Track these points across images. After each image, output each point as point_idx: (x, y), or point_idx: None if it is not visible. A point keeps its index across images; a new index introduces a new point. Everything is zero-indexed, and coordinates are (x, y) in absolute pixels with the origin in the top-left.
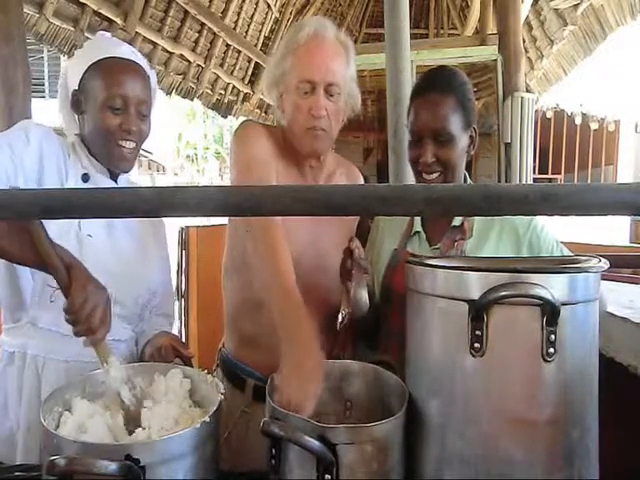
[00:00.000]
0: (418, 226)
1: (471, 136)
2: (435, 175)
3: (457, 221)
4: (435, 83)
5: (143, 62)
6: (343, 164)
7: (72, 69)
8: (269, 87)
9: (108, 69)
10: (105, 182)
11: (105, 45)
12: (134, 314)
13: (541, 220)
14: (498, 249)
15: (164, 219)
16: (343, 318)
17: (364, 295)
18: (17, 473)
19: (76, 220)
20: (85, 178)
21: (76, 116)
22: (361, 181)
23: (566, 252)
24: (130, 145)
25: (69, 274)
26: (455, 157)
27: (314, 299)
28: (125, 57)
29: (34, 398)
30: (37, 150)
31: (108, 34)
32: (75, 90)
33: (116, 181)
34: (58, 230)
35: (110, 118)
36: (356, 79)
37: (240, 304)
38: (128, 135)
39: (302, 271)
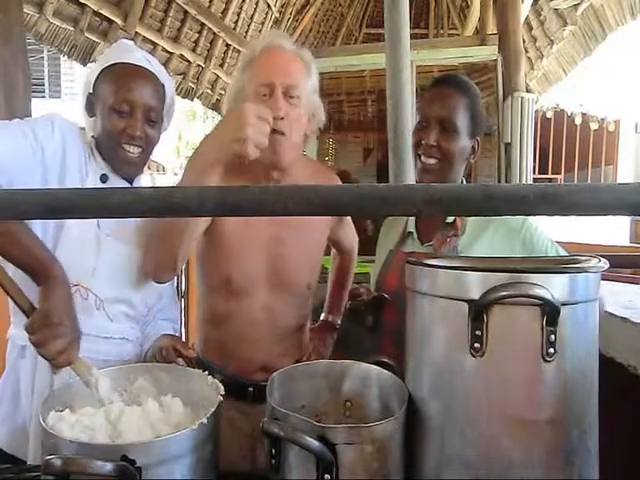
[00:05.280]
0: (411, 227)
1: (473, 147)
2: (433, 161)
3: (450, 218)
4: (452, 81)
5: (158, 70)
6: (319, 174)
7: (91, 72)
8: (229, 104)
9: (118, 74)
10: (121, 184)
11: (120, 51)
12: (142, 315)
13: (536, 220)
14: (491, 247)
15: None
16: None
17: None
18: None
19: (95, 219)
20: (104, 179)
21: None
22: None
23: (561, 252)
24: (135, 150)
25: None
26: (455, 150)
27: (278, 311)
28: (137, 63)
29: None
30: (60, 143)
31: (129, 41)
32: (89, 93)
33: (131, 183)
34: (78, 229)
35: (115, 121)
36: (318, 92)
37: (201, 314)
38: (132, 140)
39: (264, 288)
